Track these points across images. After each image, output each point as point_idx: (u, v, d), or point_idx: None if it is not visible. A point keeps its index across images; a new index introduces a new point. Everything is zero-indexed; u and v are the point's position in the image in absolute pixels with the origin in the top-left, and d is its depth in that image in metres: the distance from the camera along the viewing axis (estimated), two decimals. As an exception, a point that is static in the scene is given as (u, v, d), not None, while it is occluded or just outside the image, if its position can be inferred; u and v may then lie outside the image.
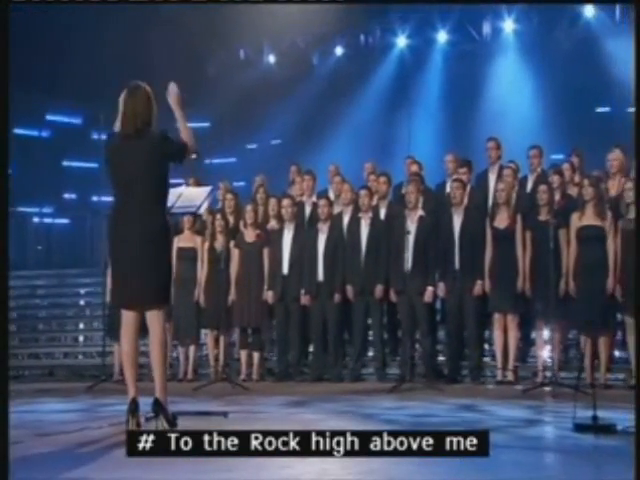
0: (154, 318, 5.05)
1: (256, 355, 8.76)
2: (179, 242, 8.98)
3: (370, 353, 8.86)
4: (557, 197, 8.15)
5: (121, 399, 7.02)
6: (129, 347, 5.11)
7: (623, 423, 4.71)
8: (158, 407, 5.02)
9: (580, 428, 4.73)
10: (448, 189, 8.84)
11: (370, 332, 8.66)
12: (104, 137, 17.75)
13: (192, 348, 9.01)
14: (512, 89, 14.16)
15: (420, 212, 8.23)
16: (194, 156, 5.24)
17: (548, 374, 7.75)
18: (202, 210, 6.16)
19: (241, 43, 15.96)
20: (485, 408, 6.03)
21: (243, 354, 8.83)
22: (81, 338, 12.58)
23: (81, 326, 12.89)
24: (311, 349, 8.87)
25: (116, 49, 15.33)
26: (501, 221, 8.04)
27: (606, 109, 14.30)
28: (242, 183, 12.87)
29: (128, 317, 5.12)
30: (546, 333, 7.96)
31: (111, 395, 7.50)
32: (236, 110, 15.85)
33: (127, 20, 14.92)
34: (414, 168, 9.07)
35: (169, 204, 5.40)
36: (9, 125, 4.96)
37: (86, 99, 16.27)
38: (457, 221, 8.19)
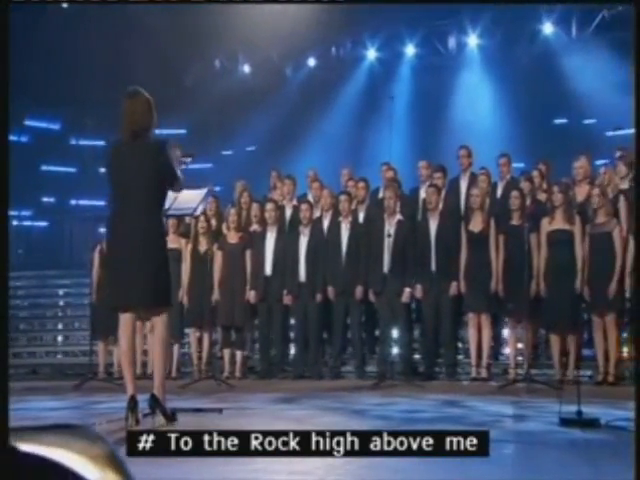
0: (158, 318, 4.94)
1: (239, 353, 8.66)
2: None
3: (349, 351, 8.79)
4: (527, 202, 8.17)
5: (111, 397, 6.91)
6: (127, 346, 5.00)
7: (602, 417, 4.71)
8: (155, 403, 4.91)
9: (566, 422, 4.70)
10: (422, 194, 8.84)
11: (349, 331, 8.59)
12: (82, 142, 17.53)
13: (176, 347, 8.86)
14: (476, 101, 14.23)
15: (398, 216, 8.20)
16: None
17: (520, 371, 7.78)
18: (198, 212, 6.04)
19: (217, 53, 15.81)
20: (468, 404, 6.01)
21: (226, 353, 8.72)
22: (60, 338, 12.35)
23: (60, 326, 12.67)
24: (292, 348, 8.78)
25: (95, 57, 15.12)
26: (475, 225, 8.04)
27: (563, 120, 14.43)
28: (218, 188, 12.75)
29: (126, 318, 5.00)
30: (518, 332, 7.96)
31: (100, 393, 7.37)
32: (212, 118, 15.72)
33: (105, 29, 14.74)
34: (390, 174, 9.04)
35: (165, 206, 5.30)
36: (9, 126, 4.82)
37: (65, 105, 16.03)
38: (433, 225, 8.17)
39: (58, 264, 14.63)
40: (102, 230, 15.60)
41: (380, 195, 9.06)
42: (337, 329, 8.40)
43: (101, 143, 16.67)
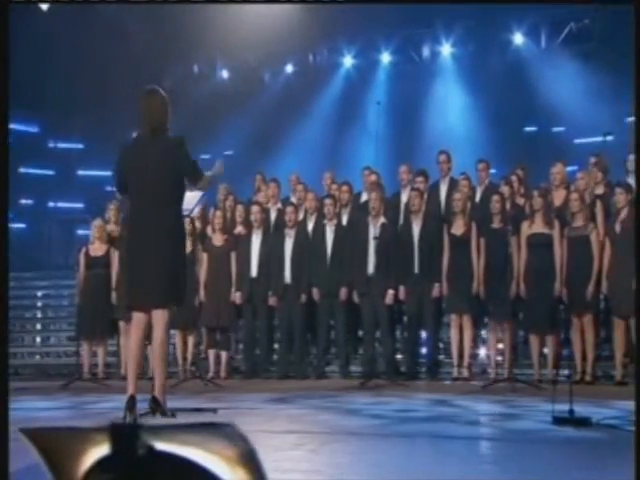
0: (159, 317, 4.85)
1: (224, 354, 8.56)
2: (149, 246, 8.73)
3: (332, 351, 8.74)
4: (507, 206, 8.20)
5: (101, 397, 6.80)
6: (136, 346, 4.90)
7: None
8: (155, 404, 4.81)
9: (559, 421, 4.69)
10: (404, 199, 8.84)
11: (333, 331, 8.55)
12: (61, 145, 17.21)
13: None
14: (450, 108, 14.28)
15: (382, 219, 8.17)
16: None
17: (500, 371, 7.80)
18: (195, 213, 5.96)
19: (195, 58, 15.68)
20: (458, 403, 5.98)
21: (211, 353, 8.62)
22: (38, 339, 12.13)
23: (38, 327, 12.45)
24: (276, 347, 8.71)
25: (74, 60, 14.90)
26: (457, 228, 8.05)
27: (533, 128, 14.54)
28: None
29: (139, 318, 4.90)
30: (497, 333, 7.97)
31: (88, 393, 7.24)
32: (190, 122, 15.50)
33: (84, 31, 14.53)
34: (373, 178, 9.02)
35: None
36: (8, 127, 4.71)
37: (43, 108, 15.77)
38: (416, 228, 8.16)
39: (36, 266, 14.38)
40: (81, 232, 15.48)
41: (363, 199, 9.05)
42: (321, 330, 8.35)
43: (79, 146, 16.48)
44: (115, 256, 8.86)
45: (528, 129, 14.51)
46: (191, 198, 5.47)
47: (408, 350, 8.26)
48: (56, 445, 1.15)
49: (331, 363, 8.65)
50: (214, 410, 5.36)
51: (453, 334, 8.00)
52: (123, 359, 8.59)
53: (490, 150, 13.03)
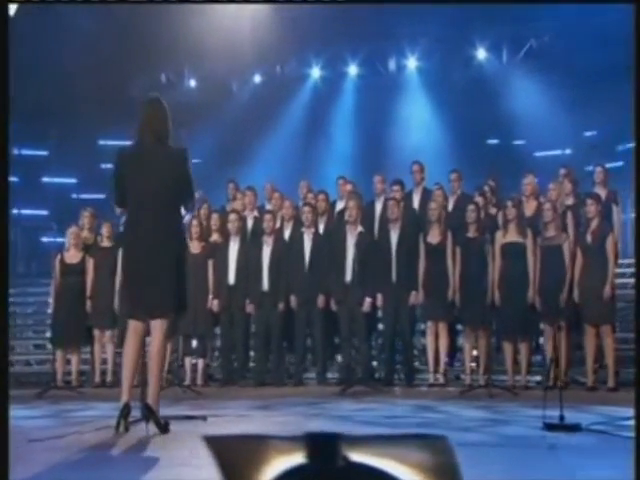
0: (157, 326, 4.74)
1: (200, 361, 8.42)
2: (125, 253, 8.57)
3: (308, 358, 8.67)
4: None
5: (80, 404, 6.62)
6: (132, 354, 4.76)
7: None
8: (149, 412, 4.68)
9: (550, 427, 4.69)
10: (378, 208, 8.84)
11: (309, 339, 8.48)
12: (25, 152, 16.79)
13: (137, 355, 8.55)
14: (415, 120, 14.35)
15: (360, 228, 8.14)
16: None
17: (475, 377, 7.83)
18: (186, 220, 5.84)
19: (163, 67, 15.50)
20: (442, 409, 5.96)
21: (187, 361, 8.46)
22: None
23: None
24: (252, 355, 8.61)
25: (38, 68, 14.59)
26: (433, 237, 8.07)
27: (495, 141, 14.71)
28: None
29: (137, 326, 4.77)
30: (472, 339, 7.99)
31: (65, 401, 7.04)
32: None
33: (48, 40, 14.25)
34: (349, 187, 9.00)
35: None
36: (8, 128, 4.57)
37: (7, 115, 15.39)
38: (394, 236, 8.16)
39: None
40: (45, 240, 15.12)
41: (339, 207, 9.02)
42: (299, 337, 8.27)
43: (44, 153, 16.14)
44: (90, 263, 8.66)
45: (490, 142, 14.67)
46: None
47: (384, 357, 8.23)
48: (240, 454, 1.07)
49: (308, 370, 8.56)
50: (204, 418, 5.25)
51: (429, 341, 8.00)
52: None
53: (453, 162, 13.10)
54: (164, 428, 4.65)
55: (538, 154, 14.18)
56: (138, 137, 4.81)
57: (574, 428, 4.69)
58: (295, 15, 13.33)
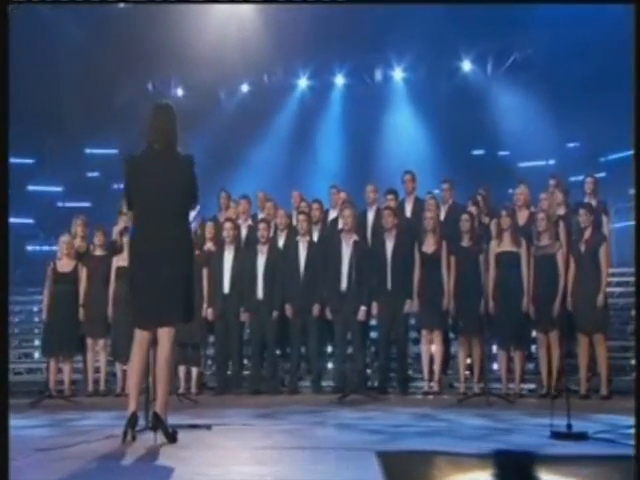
0: (164, 335, 4.66)
1: (194, 370, 8.32)
2: (118, 261, 8.49)
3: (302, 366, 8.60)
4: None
5: (78, 414, 6.50)
6: (140, 365, 4.68)
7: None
8: (157, 421, 4.60)
9: (557, 435, 4.68)
10: (370, 217, 8.83)
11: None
12: (10, 160, 16.58)
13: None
14: (401, 131, 14.41)
15: (355, 237, 8.11)
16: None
17: (469, 385, 7.82)
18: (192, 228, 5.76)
19: (150, 76, 15.41)
20: (442, 417, 5.92)
21: (181, 369, 8.35)
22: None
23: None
24: (246, 363, 8.53)
25: (24, 76, 14.39)
26: (428, 246, 8.06)
27: (480, 152, 14.79)
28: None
29: (143, 335, 4.69)
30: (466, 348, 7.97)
31: (61, 410, 6.93)
32: (144, 138, 15.21)
33: (34, 48, 14.09)
34: (342, 196, 8.97)
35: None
36: (8, 129, 4.50)
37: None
38: (389, 245, 8.13)
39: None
40: (30, 248, 14.89)
41: (332, 216, 9.00)
42: (294, 345, 8.22)
43: (30, 161, 15.93)
44: (83, 272, 8.54)
45: (475, 152, 14.74)
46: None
47: (379, 365, 8.19)
48: (415, 470, 1.02)
49: (302, 378, 8.50)
50: (208, 427, 5.18)
51: (424, 349, 7.97)
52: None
53: (439, 171, 13.19)
54: (172, 437, 4.58)
55: (522, 164, 14.28)
56: (147, 142, 4.76)
57: (581, 437, 4.68)
58: (282, 25, 13.32)
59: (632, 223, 11.32)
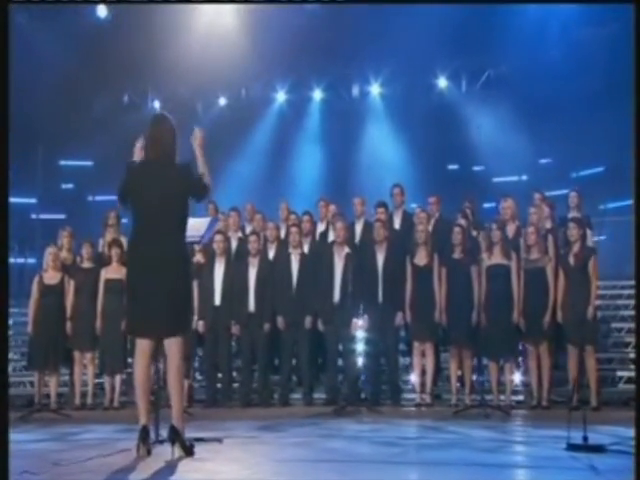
0: (172, 345, 4.56)
1: (185, 382, 8.13)
2: (107, 274, 8.34)
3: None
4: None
5: (77, 427, 6.34)
6: (144, 375, 4.58)
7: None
8: (174, 434, 4.49)
9: (573, 448, 4.65)
10: (358, 229, 8.81)
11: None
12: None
13: (118, 377, 8.28)
14: (378, 145, 14.46)
15: (347, 249, 8.07)
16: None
17: (461, 396, 7.81)
18: (206, 239, 5.67)
19: (125, 88, 15.23)
20: (450, 429, 5.87)
21: (170, 382, 8.18)
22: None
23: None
24: (235, 375, 8.42)
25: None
26: (420, 259, 8.05)
27: (455, 166, 14.89)
28: (124, 220, 12.14)
29: (143, 345, 4.59)
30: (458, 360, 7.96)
31: (58, 424, 6.74)
32: (119, 150, 14.99)
33: (11, 60, 13.83)
34: (332, 208, 8.94)
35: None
36: (8, 129, 4.39)
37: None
38: (380, 257, 8.11)
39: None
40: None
41: (322, 228, 8.95)
42: (285, 357, 8.14)
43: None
44: (70, 285, 8.35)
45: (451, 167, 14.84)
46: (199, 224, 5.20)
47: (371, 377, 8.13)
48: None
49: (294, 390, 8.41)
50: (219, 440, 5.07)
51: (416, 361, 7.96)
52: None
53: (416, 185, 13.24)
54: (190, 451, 4.46)
55: (496, 179, 14.41)
56: (144, 154, 4.69)
57: (598, 449, 4.67)
58: (260, 39, 13.28)
59: (603, 238, 11.58)
